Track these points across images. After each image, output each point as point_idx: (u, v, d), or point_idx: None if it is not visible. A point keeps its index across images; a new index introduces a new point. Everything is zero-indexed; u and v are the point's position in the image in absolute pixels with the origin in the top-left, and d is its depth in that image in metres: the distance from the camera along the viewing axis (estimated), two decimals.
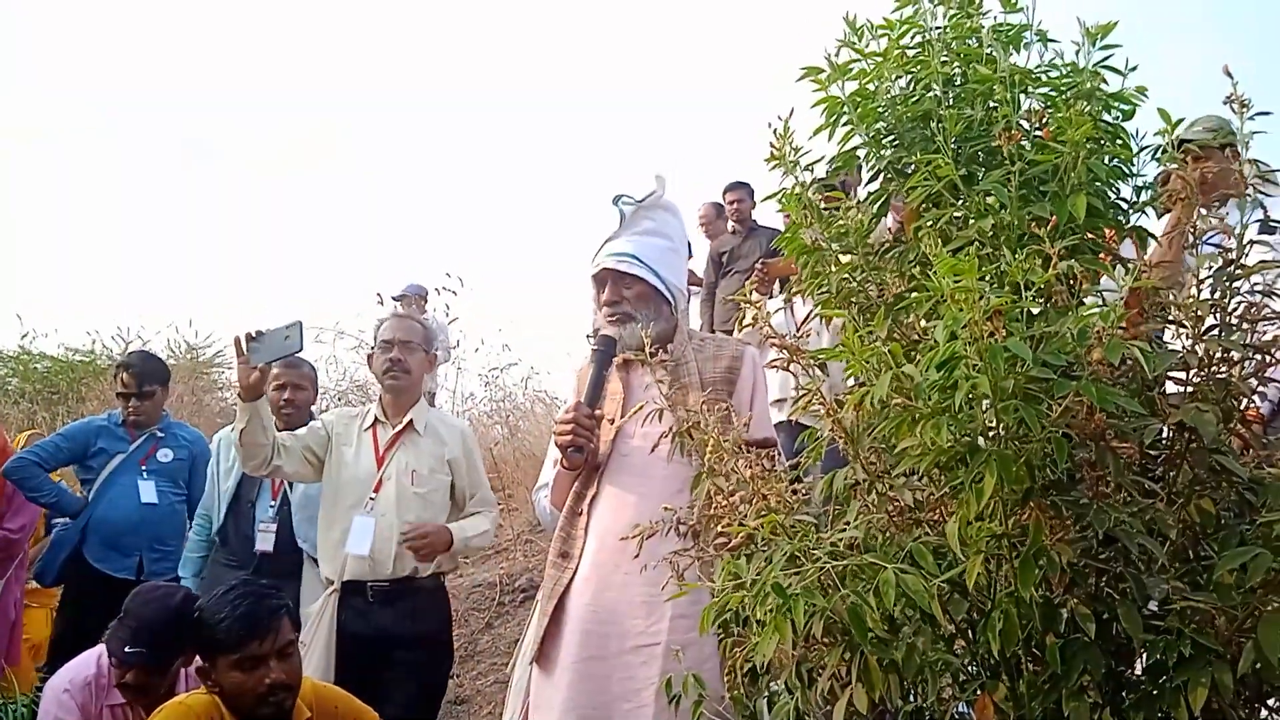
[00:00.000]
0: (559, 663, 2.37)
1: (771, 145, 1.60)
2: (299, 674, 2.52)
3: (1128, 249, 1.57)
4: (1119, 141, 1.47)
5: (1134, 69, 1.45)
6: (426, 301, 9.47)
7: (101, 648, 2.93)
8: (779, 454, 2.27)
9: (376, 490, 3.41)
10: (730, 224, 7.20)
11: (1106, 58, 1.46)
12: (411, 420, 3.53)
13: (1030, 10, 1.51)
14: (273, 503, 4.00)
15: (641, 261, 2.50)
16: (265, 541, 3.93)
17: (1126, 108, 1.47)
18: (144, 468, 4.52)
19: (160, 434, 4.61)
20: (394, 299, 9.29)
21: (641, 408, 2.09)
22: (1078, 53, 1.47)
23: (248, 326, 3.14)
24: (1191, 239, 1.36)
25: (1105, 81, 1.47)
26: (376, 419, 3.54)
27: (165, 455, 4.57)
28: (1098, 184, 1.40)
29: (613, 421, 2.44)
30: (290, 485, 3.93)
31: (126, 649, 2.69)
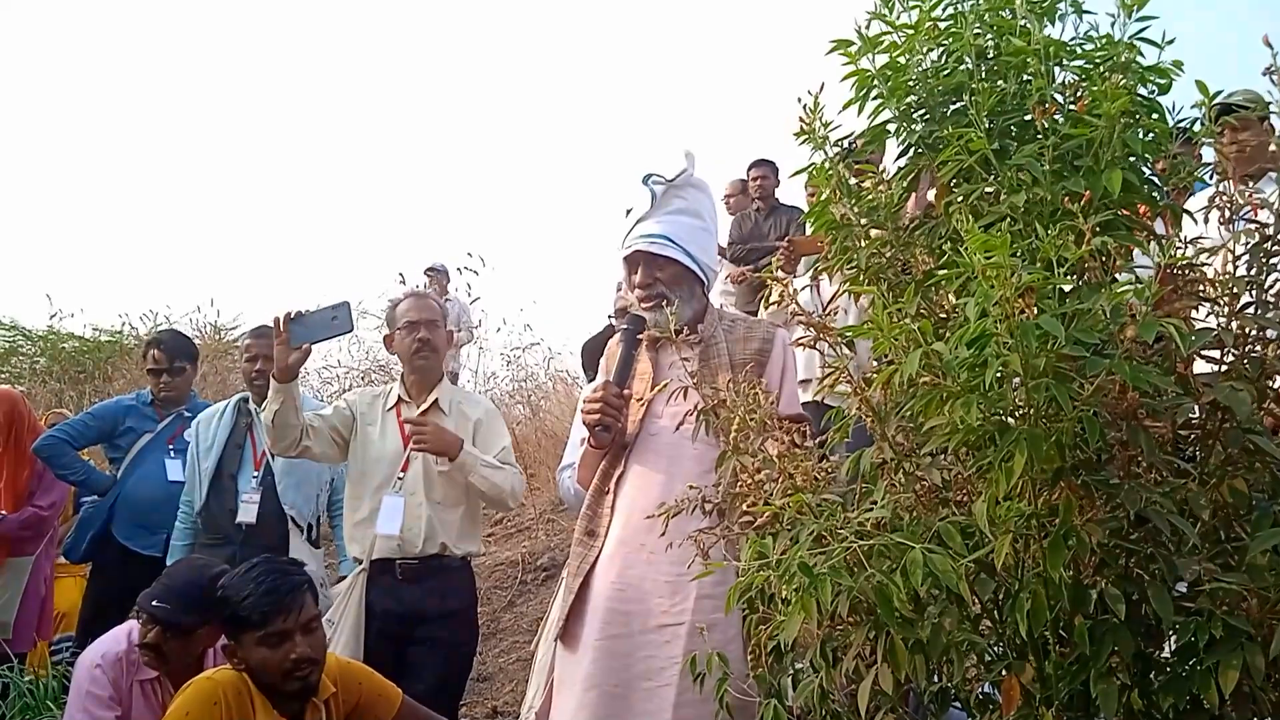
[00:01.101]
0: (582, 640, 2.38)
1: (800, 119, 1.58)
2: (324, 648, 2.56)
3: (1161, 226, 1.55)
4: (1155, 116, 1.44)
5: (1171, 42, 1.42)
6: (448, 279, 9.53)
7: (132, 623, 2.97)
8: (809, 429, 2.27)
9: (404, 470, 3.42)
10: (753, 201, 7.16)
11: (1143, 29, 1.43)
12: (437, 400, 3.54)
13: None
14: (255, 473, 3.97)
15: (674, 242, 2.48)
16: (248, 513, 3.88)
17: (1162, 81, 1.44)
18: (171, 447, 4.50)
19: (188, 414, 4.53)
20: (425, 272, 9.37)
21: (666, 385, 2.09)
22: (1113, 24, 1.43)
23: (277, 307, 3.17)
24: (1228, 214, 1.33)
25: (1141, 54, 1.43)
26: (400, 399, 3.55)
27: (191, 435, 4.47)
28: (1133, 159, 1.37)
29: (640, 401, 2.44)
30: (272, 455, 3.89)
31: (153, 602, 2.74)
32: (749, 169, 7.12)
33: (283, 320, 3.18)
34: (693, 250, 2.50)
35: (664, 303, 2.45)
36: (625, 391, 2.41)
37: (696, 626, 2.20)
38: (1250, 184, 1.36)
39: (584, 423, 2.42)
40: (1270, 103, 1.37)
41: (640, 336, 2.41)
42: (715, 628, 2.13)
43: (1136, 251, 1.46)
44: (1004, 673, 1.44)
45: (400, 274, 9.76)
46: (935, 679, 1.53)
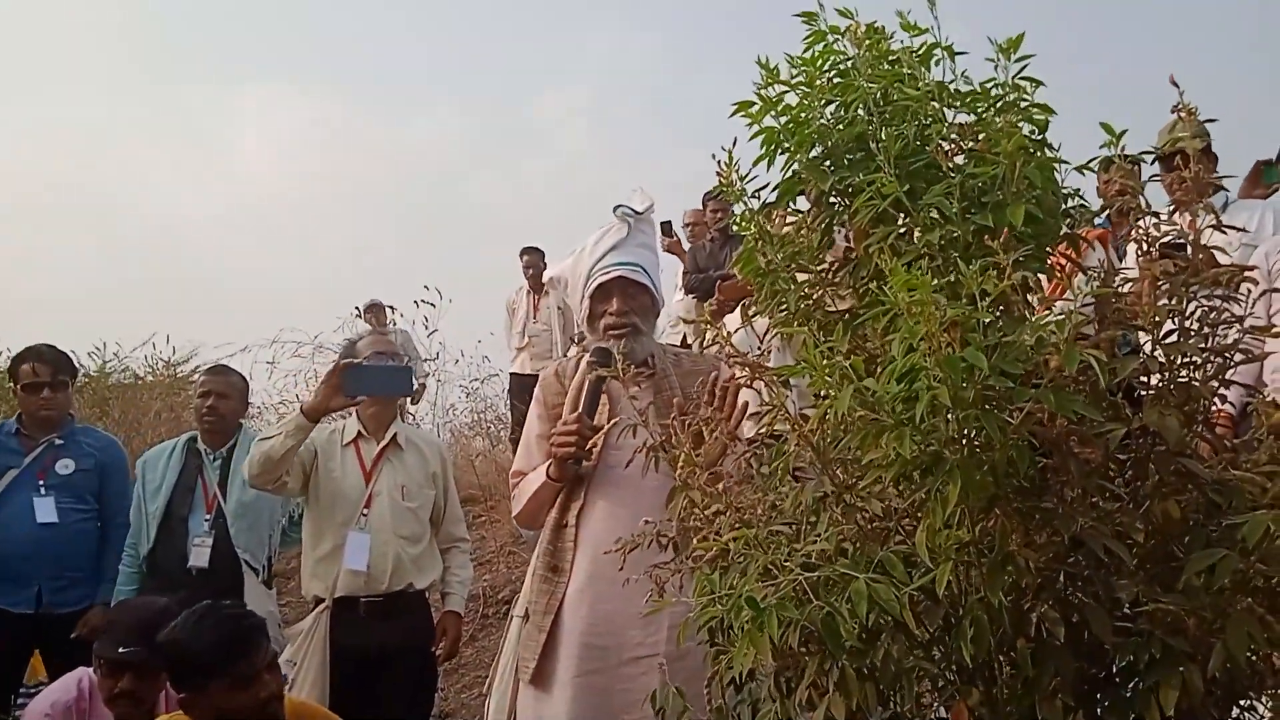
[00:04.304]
0: (557, 679, 2.36)
1: (718, 175, 1.62)
2: (282, 682, 2.54)
3: (1096, 256, 1.60)
4: (1046, 150, 1.49)
5: (1027, 73, 1.47)
6: (385, 314, 9.53)
7: (80, 671, 2.91)
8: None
9: (368, 506, 3.42)
10: (709, 231, 7.23)
11: (1022, 69, 1.48)
12: (395, 435, 3.55)
13: (936, 29, 1.51)
14: (208, 516, 3.77)
15: (647, 273, 2.52)
16: (200, 557, 3.68)
17: (1039, 117, 1.49)
18: (41, 482, 3.91)
19: (60, 441, 3.99)
20: (365, 309, 9.38)
21: (617, 422, 2.10)
22: (996, 67, 1.48)
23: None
24: (1146, 246, 1.37)
25: (1026, 94, 1.49)
26: (359, 433, 3.54)
27: (66, 466, 3.96)
28: (1036, 193, 1.41)
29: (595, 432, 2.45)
30: (224, 497, 3.80)
31: (120, 649, 2.67)
32: (705, 200, 7.21)
33: (340, 367, 3.22)
34: (657, 284, 2.55)
35: (637, 334, 2.48)
36: (596, 424, 2.42)
37: (667, 657, 2.19)
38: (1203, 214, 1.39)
39: (555, 455, 2.41)
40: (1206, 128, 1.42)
41: (603, 373, 2.40)
42: (686, 656, 2.12)
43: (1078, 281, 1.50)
44: (954, 697, 1.46)
45: (357, 308, 9.72)
46: (888, 705, 1.54)
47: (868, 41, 1.52)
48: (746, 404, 1.98)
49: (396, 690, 3.37)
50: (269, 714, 2.42)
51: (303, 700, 2.82)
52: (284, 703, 2.51)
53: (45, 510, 3.85)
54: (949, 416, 1.17)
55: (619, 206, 2.56)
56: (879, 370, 1.25)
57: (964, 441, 1.20)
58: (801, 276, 1.56)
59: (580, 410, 2.42)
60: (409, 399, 9.22)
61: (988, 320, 1.20)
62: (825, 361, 1.26)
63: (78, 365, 10.13)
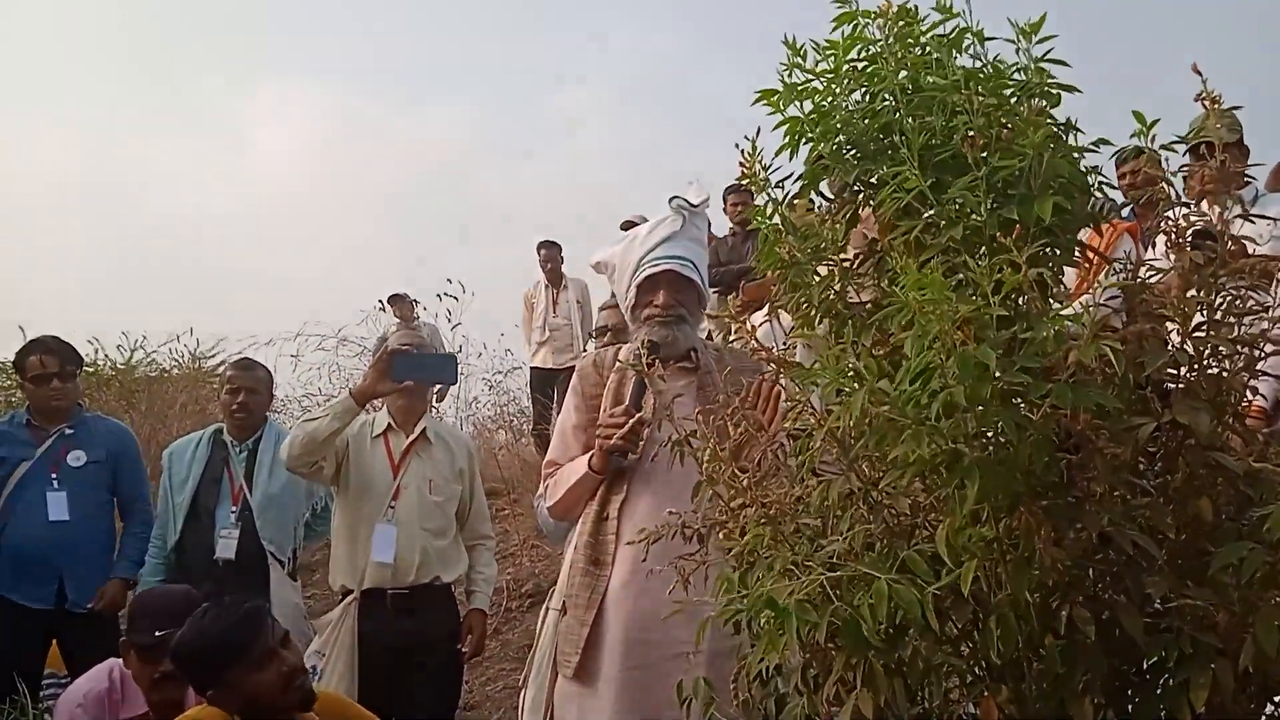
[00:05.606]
0: (600, 674, 2.35)
1: (741, 165, 1.61)
2: (300, 657, 2.57)
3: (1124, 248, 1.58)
4: (1074, 136, 1.46)
5: (1045, 54, 1.44)
6: (411, 307, 9.56)
7: (112, 661, 2.93)
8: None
9: (395, 498, 3.43)
10: (731, 225, 7.22)
11: (1047, 52, 1.44)
12: (425, 429, 3.56)
13: (968, 13, 1.48)
14: (234, 508, 3.77)
15: (696, 268, 2.52)
16: (227, 549, 3.69)
17: (1052, 94, 1.45)
18: (55, 475, 3.88)
19: (70, 431, 3.96)
20: (389, 300, 9.42)
21: (657, 412, 2.08)
22: (1018, 51, 1.44)
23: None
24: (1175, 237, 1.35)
25: (1052, 75, 1.45)
26: (389, 426, 3.55)
27: (77, 458, 3.94)
28: (1064, 183, 1.38)
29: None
30: (250, 489, 3.82)
31: (157, 633, 2.68)
32: (726, 194, 7.19)
33: (389, 351, 3.29)
34: (705, 279, 2.56)
35: (683, 324, 2.48)
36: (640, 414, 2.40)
37: (714, 653, 2.18)
38: (1232, 205, 1.36)
39: (603, 447, 2.41)
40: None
41: (629, 366, 2.39)
42: (730, 653, 2.10)
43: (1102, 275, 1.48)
44: (983, 694, 1.45)
45: (381, 301, 9.78)
46: (915, 702, 1.53)
47: (898, 26, 1.49)
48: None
49: (423, 683, 3.39)
50: (299, 686, 2.44)
51: (332, 692, 2.83)
52: (309, 678, 2.52)
53: (58, 507, 3.84)
54: (966, 415, 1.15)
55: (674, 198, 2.54)
56: (901, 367, 1.23)
57: (984, 439, 1.18)
58: (824, 269, 1.54)
59: (628, 403, 2.42)
60: (435, 394, 9.27)
61: (1003, 315, 1.18)
62: (840, 362, 1.25)
63: (106, 356, 10.32)
